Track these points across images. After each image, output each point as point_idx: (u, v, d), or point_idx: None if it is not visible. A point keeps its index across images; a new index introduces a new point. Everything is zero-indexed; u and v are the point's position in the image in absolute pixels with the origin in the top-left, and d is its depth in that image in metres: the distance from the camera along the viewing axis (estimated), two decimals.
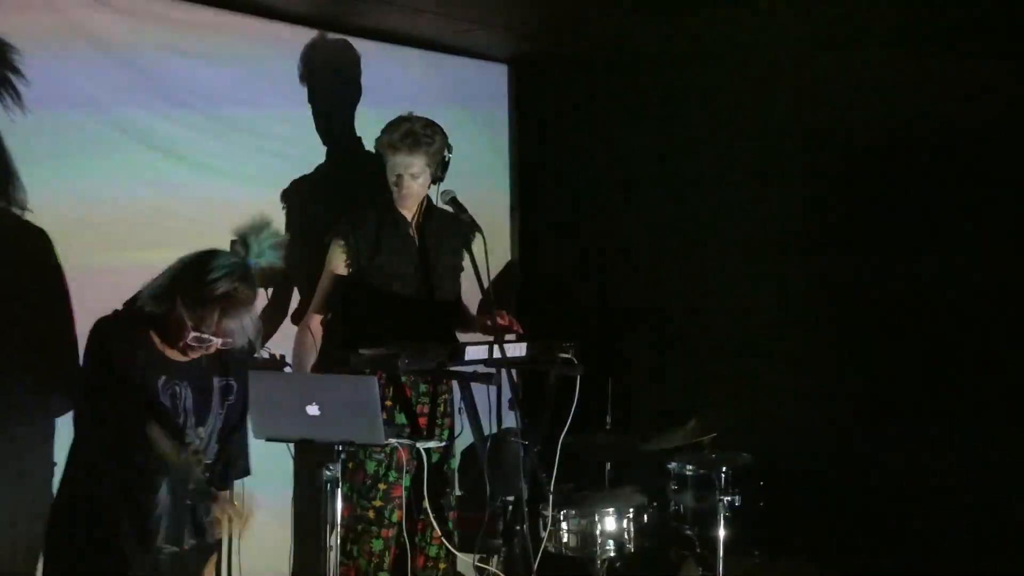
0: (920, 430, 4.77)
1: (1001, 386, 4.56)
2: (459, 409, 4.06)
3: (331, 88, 4.89)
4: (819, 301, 5.08)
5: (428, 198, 4.33)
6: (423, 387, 4.20)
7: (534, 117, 5.84)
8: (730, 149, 5.31)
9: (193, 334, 3.19)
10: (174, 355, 3.29)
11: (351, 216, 4.32)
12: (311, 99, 4.79)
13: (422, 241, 4.29)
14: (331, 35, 4.88)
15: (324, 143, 4.84)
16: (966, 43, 4.56)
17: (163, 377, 3.27)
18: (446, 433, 4.24)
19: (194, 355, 3.29)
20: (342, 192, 4.81)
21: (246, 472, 3.53)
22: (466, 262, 4.22)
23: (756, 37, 4.97)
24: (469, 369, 3.90)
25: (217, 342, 3.22)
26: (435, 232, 4.33)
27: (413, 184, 4.23)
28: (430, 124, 4.25)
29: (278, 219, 4.60)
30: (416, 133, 4.20)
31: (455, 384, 4.14)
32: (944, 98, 4.61)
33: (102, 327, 3.28)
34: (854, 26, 4.75)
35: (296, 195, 4.74)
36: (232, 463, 3.46)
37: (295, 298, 4.66)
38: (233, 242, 3.32)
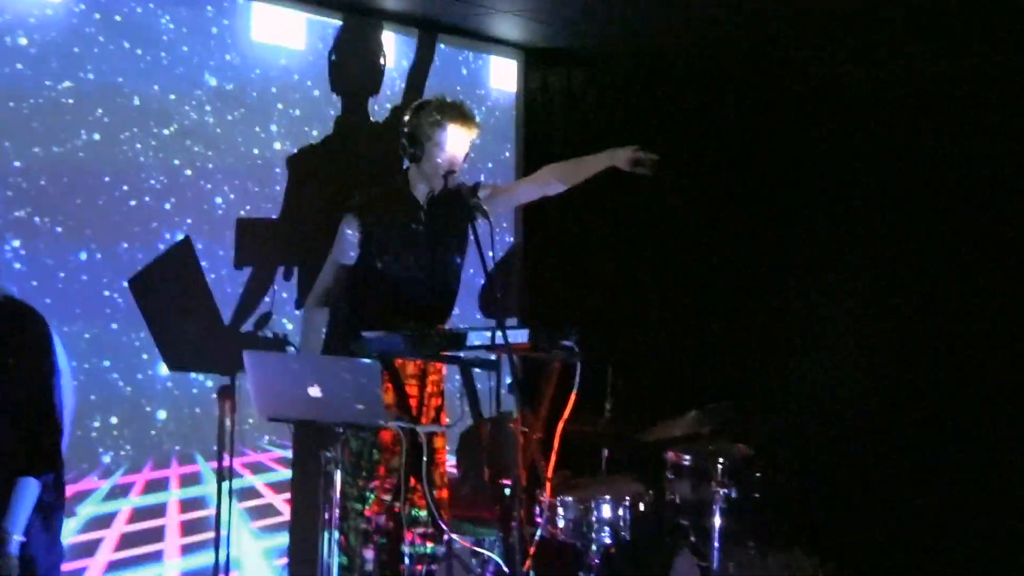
0: (922, 424, 4.80)
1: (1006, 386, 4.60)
2: (459, 395, 4.06)
3: (353, 70, 5.00)
4: (824, 287, 5.12)
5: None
6: (411, 368, 4.17)
7: (543, 105, 5.85)
8: (741, 136, 5.34)
9: None
10: None
11: (364, 194, 4.26)
12: (332, 79, 4.91)
13: (430, 223, 4.24)
14: (356, 18, 4.97)
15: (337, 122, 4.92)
16: None
17: None
18: (433, 414, 4.22)
19: None
20: (353, 167, 4.84)
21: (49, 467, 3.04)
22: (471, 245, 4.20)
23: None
24: (470, 354, 3.90)
25: None
26: (443, 215, 4.26)
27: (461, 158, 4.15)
28: None
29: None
30: (468, 108, 4.17)
31: (444, 366, 4.15)
32: None
33: None
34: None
35: (303, 163, 4.76)
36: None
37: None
38: None
